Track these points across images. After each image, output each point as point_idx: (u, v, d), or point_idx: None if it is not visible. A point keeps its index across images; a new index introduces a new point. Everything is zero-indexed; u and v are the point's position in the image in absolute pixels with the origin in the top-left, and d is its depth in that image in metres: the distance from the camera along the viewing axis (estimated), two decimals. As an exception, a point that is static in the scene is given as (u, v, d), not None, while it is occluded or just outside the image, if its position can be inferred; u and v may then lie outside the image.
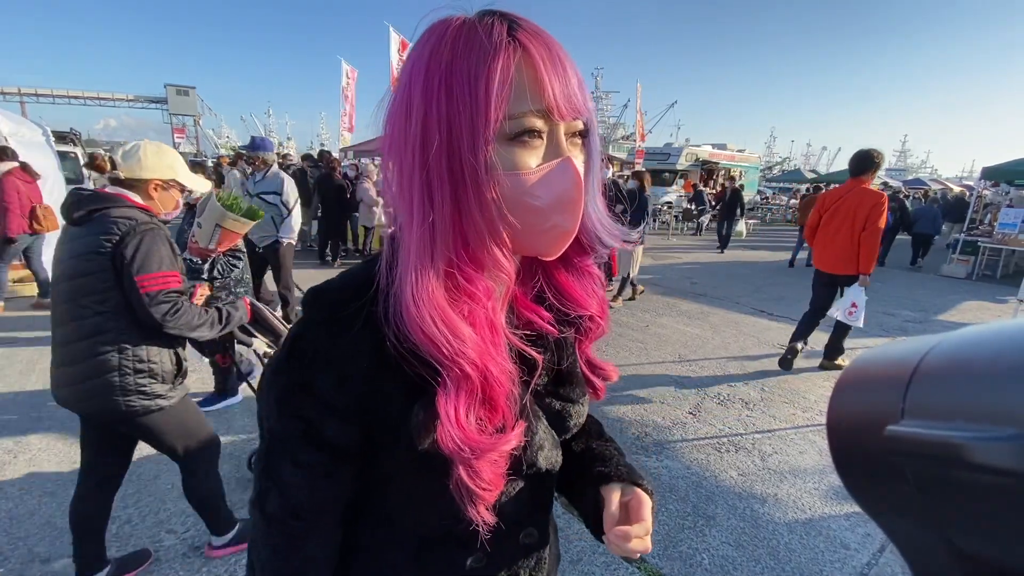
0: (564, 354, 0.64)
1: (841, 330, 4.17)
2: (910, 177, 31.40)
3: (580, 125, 0.51)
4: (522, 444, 0.55)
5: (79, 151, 8.56)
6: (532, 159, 0.48)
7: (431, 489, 0.53)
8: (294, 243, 4.70)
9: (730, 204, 11.75)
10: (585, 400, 0.68)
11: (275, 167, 4.46)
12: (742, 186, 13.64)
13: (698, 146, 20.80)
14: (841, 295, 4.03)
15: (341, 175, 8.03)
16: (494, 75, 0.44)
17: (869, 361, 0.29)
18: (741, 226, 12.55)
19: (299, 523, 0.55)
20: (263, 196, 4.27)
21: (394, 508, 0.58)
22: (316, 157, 9.22)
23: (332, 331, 0.50)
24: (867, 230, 3.73)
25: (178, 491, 2.35)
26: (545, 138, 0.49)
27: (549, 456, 0.61)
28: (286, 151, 26.34)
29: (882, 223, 3.72)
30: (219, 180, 9.67)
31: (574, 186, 0.49)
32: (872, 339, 5.16)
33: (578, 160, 0.51)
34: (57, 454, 2.60)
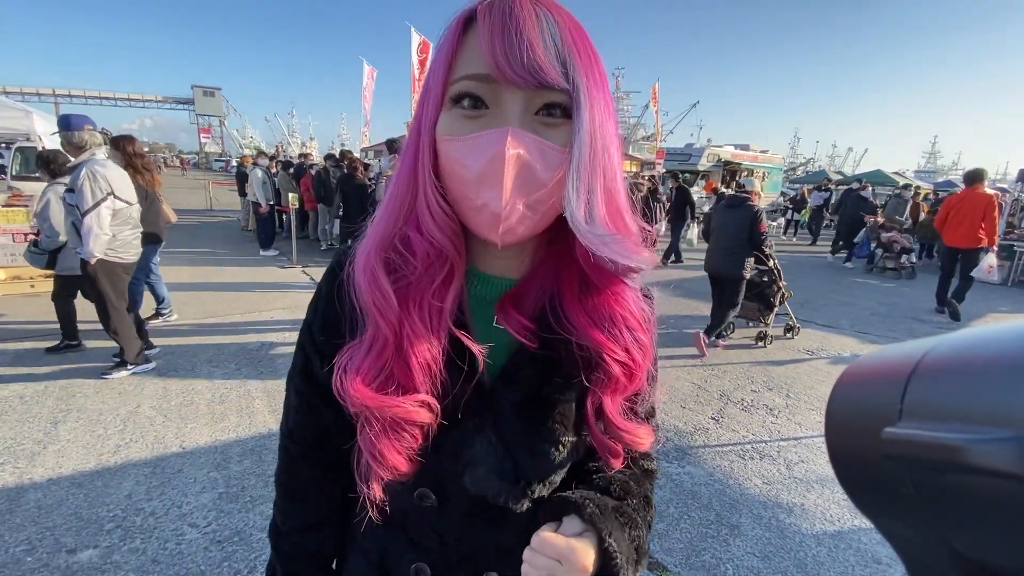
0: (550, 377, 0.53)
1: (962, 288, 6.19)
2: (940, 179, 30.29)
3: (555, 97, 0.44)
4: (433, 437, 0.49)
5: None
6: (470, 126, 0.45)
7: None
8: (119, 261, 3.20)
9: (677, 207, 9.03)
10: (567, 445, 0.55)
11: (91, 154, 3.04)
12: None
13: (720, 147, 20.44)
14: (959, 263, 6.18)
15: (363, 175, 8.05)
16: (447, 39, 0.46)
17: (868, 362, 0.28)
18: (692, 233, 9.40)
19: (293, 445, 0.61)
20: (65, 197, 3.05)
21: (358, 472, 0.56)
22: (338, 157, 9.31)
23: (331, 280, 0.55)
24: (986, 218, 5.88)
25: (201, 485, 2.39)
26: (492, 106, 0.45)
27: (484, 480, 0.52)
28: (308, 151, 26.77)
29: (996, 213, 5.89)
30: (242, 180, 9.89)
31: (496, 157, 0.42)
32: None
33: (540, 136, 0.44)
34: (85, 446, 2.65)
